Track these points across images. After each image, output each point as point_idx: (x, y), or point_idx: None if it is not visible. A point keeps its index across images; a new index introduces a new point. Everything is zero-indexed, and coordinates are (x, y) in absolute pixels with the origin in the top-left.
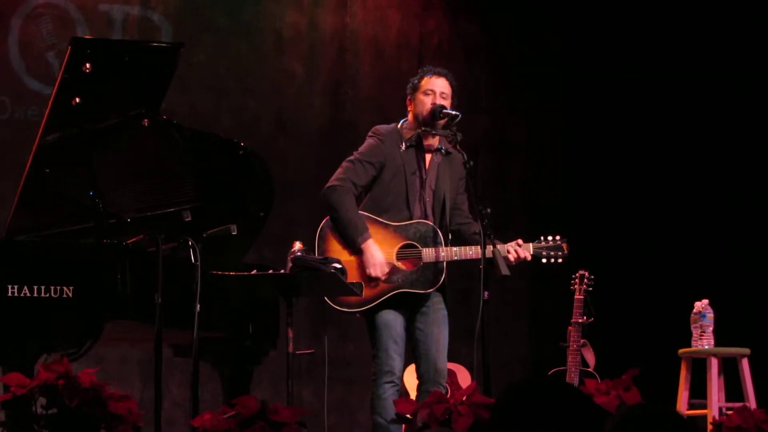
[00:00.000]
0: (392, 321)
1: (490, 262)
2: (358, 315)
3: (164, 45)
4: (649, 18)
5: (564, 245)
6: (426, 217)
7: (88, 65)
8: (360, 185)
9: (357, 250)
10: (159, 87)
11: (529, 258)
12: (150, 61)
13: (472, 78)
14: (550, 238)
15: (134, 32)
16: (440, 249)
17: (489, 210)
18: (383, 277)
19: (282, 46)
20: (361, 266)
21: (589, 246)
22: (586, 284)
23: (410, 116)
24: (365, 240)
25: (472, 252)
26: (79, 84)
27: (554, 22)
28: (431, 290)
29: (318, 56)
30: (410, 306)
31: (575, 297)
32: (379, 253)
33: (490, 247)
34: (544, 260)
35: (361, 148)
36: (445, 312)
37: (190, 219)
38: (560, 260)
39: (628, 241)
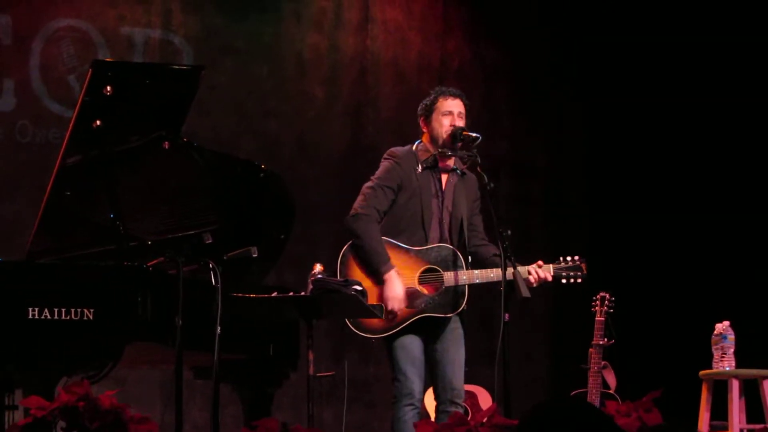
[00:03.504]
0: (409, 344)
1: (511, 285)
2: (373, 341)
3: (185, 68)
4: (670, 40)
5: (583, 265)
6: (443, 239)
7: (109, 88)
8: (382, 211)
9: (379, 279)
10: (180, 110)
11: (549, 279)
12: (171, 84)
13: (492, 100)
14: (569, 258)
15: (155, 55)
16: (461, 272)
17: (509, 232)
18: (399, 313)
19: (303, 68)
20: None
21: (610, 268)
22: (607, 306)
23: (426, 138)
24: (388, 270)
25: (493, 275)
26: (100, 106)
27: (574, 44)
28: (454, 314)
29: (339, 78)
30: (428, 329)
31: (596, 319)
32: (399, 287)
33: (510, 269)
34: (563, 281)
35: (378, 173)
36: (461, 331)
37: (210, 241)
38: (579, 280)
39: (649, 262)
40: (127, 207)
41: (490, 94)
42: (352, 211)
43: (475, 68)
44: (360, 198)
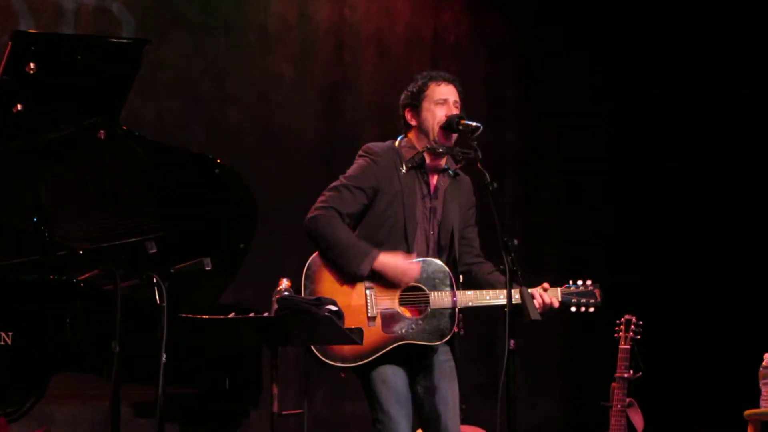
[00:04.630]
0: (391, 377)
1: (517, 306)
2: (342, 374)
3: (125, 41)
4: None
5: (597, 291)
6: (430, 253)
7: (32, 65)
8: (347, 214)
9: (361, 279)
10: (119, 92)
11: (557, 305)
12: (108, 61)
13: (496, 83)
14: (580, 282)
15: (89, 26)
16: (452, 293)
17: (516, 242)
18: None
19: (268, 43)
20: (361, 310)
21: (636, 286)
22: (633, 332)
23: (413, 133)
24: (375, 257)
25: (489, 297)
26: (22, 87)
27: (593, 14)
28: (441, 342)
29: (311, 55)
30: (412, 360)
31: (620, 347)
32: (399, 259)
33: (516, 288)
34: (573, 308)
35: (350, 171)
36: (452, 364)
37: (155, 251)
38: (591, 309)
39: (683, 279)
40: (55, 209)
41: (493, 76)
42: (309, 214)
43: (475, 44)
44: (319, 199)
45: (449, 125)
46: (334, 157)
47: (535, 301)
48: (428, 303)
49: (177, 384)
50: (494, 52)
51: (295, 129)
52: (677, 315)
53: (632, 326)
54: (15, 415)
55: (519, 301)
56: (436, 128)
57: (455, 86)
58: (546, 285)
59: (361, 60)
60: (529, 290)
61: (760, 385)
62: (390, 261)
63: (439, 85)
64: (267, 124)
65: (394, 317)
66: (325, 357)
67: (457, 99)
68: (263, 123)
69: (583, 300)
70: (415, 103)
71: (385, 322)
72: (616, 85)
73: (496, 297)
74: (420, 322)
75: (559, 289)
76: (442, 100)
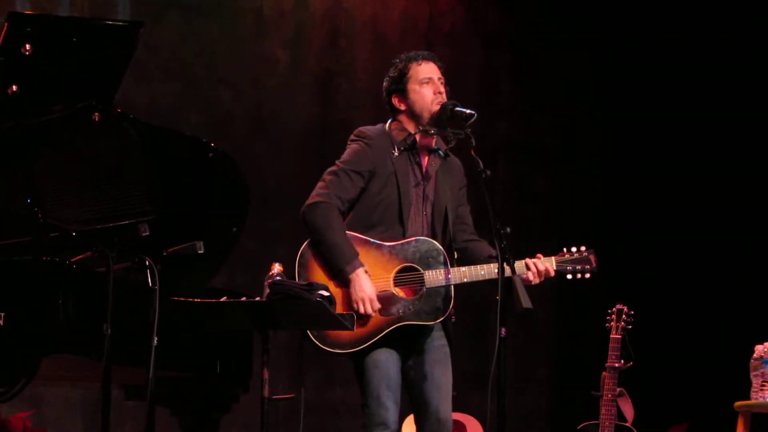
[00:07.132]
0: (384, 361)
1: (509, 292)
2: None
3: (120, 24)
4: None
5: (591, 257)
6: (425, 234)
7: (28, 46)
8: (347, 199)
9: (344, 281)
10: (113, 75)
11: (552, 273)
12: (103, 43)
13: (490, 70)
14: (574, 249)
15: (84, 8)
16: (446, 271)
17: (508, 230)
18: (373, 315)
19: (262, 27)
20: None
21: (628, 274)
22: (624, 321)
23: (403, 116)
24: (354, 269)
25: (484, 272)
26: (17, 68)
27: (590, 4)
28: (438, 321)
29: (305, 41)
30: (407, 342)
31: (611, 336)
32: (369, 286)
33: (509, 274)
34: (569, 276)
35: (345, 156)
36: (447, 349)
37: (147, 234)
38: (587, 275)
39: (675, 268)
40: (48, 191)
41: (488, 63)
42: (309, 200)
43: (470, 32)
44: (319, 184)
45: (443, 112)
46: (327, 143)
47: (530, 271)
48: (423, 282)
49: (168, 367)
50: (489, 41)
51: (289, 114)
52: (669, 305)
53: (624, 316)
54: (5, 396)
55: (510, 275)
56: (430, 107)
57: (435, 63)
58: (540, 255)
59: (356, 46)
60: (523, 261)
61: (751, 376)
62: (360, 281)
63: (420, 64)
64: (260, 108)
65: (390, 299)
66: (323, 344)
67: (441, 75)
68: (256, 108)
69: (578, 267)
70: (401, 87)
71: (381, 305)
72: (610, 74)
73: (490, 272)
74: (416, 302)
75: (553, 258)
76: (427, 79)
